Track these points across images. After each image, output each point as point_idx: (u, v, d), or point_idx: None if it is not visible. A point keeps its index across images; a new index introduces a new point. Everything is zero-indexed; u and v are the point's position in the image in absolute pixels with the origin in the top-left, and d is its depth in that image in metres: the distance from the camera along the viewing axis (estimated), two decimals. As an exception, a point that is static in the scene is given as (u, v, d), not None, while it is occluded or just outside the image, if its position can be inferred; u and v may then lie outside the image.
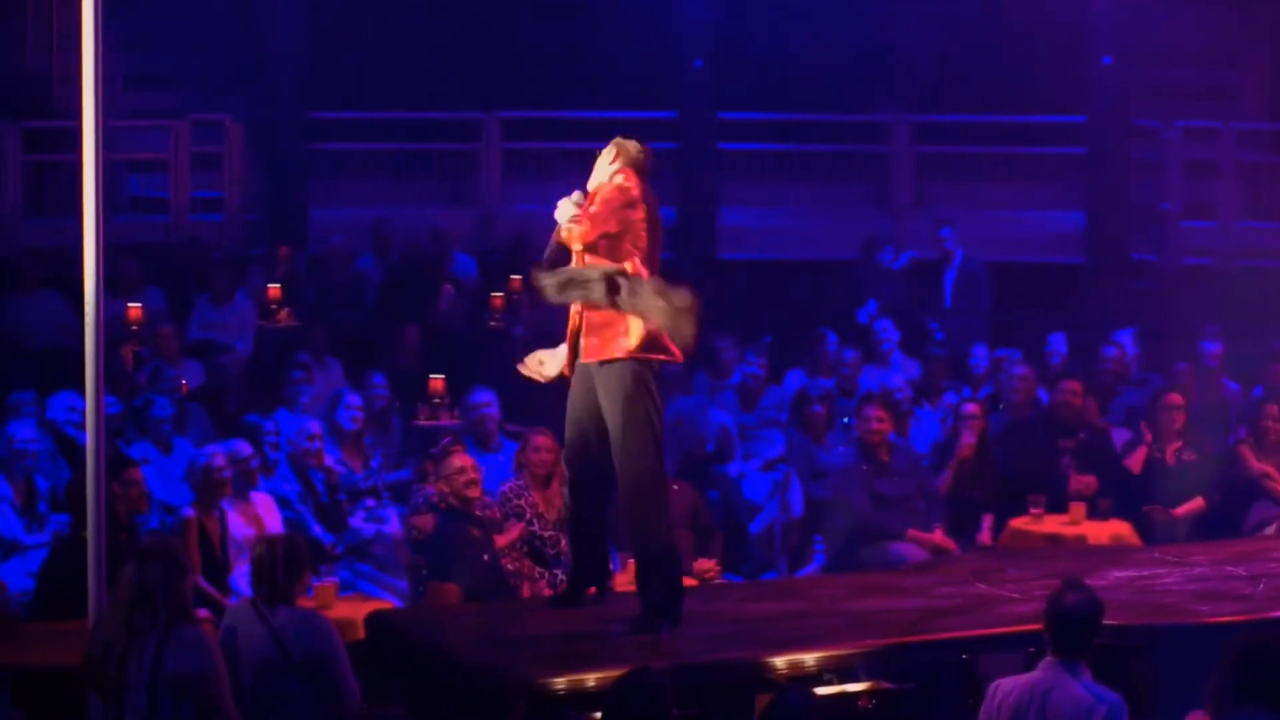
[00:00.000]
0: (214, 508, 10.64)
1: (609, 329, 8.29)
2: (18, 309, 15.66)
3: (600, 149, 8.62)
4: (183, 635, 7.45)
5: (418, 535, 10.91)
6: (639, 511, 8.41)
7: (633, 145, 8.53)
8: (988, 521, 12.53)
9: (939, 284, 17.10)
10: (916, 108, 19.92)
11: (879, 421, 12.16)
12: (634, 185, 8.40)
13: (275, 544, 8.05)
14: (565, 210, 8.38)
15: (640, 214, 8.36)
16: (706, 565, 10.98)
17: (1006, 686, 6.96)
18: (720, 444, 13.63)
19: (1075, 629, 6.89)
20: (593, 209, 8.33)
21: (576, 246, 8.32)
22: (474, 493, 10.57)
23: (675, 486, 11.26)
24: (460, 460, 10.68)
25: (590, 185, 8.52)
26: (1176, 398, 13.20)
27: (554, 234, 8.43)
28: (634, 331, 8.26)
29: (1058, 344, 14.99)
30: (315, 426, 12.05)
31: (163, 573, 7.50)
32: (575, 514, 8.73)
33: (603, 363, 8.33)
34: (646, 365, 8.32)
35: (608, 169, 8.52)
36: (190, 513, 10.52)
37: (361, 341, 15.35)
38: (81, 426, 10.28)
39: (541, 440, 10.75)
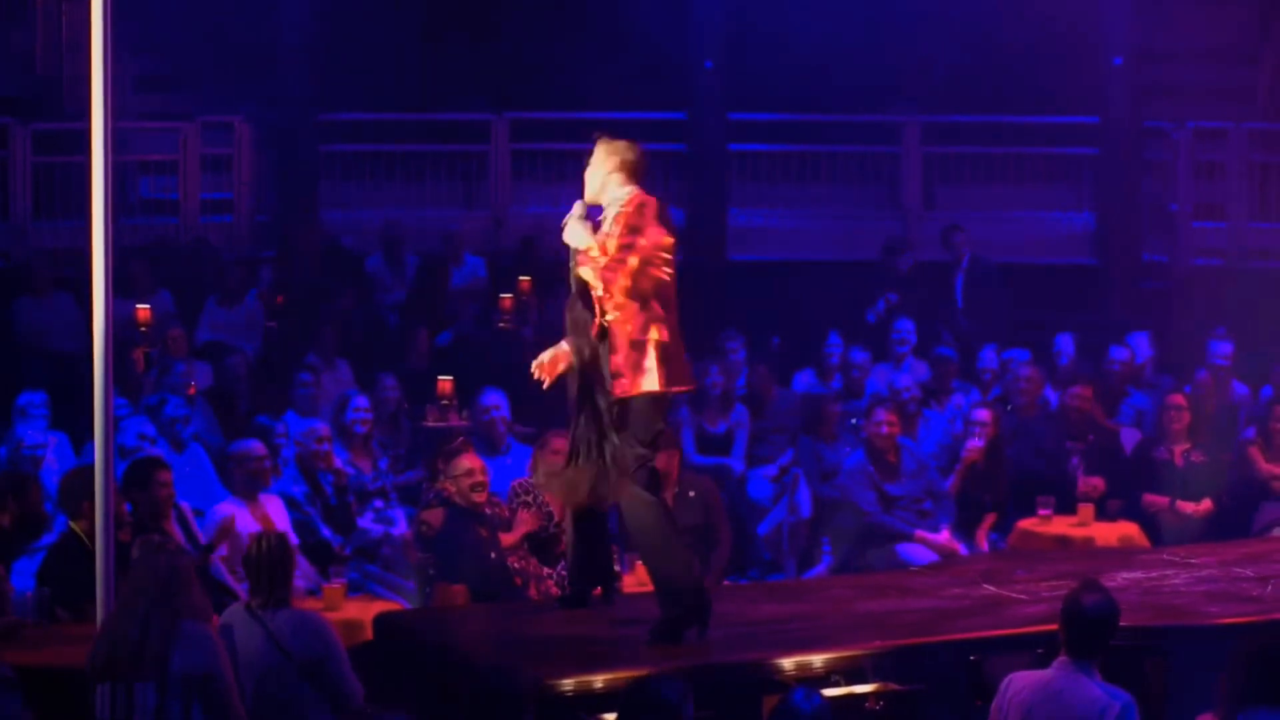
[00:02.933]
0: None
1: (638, 368, 7.98)
2: (29, 311, 15.67)
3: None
4: (189, 632, 7.46)
5: (427, 531, 10.90)
6: (646, 543, 8.24)
7: (624, 147, 8.11)
8: (987, 521, 12.53)
9: (952, 286, 17.09)
10: (927, 109, 19.89)
11: (890, 426, 12.16)
12: (646, 213, 7.96)
13: (264, 540, 7.99)
14: (575, 234, 8.04)
15: (656, 241, 7.94)
16: None
17: (1020, 682, 6.98)
18: (731, 429, 13.68)
19: (1091, 630, 6.89)
20: (614, 255, 7.86)
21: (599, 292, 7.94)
22: (480, 496, 10.56)
23: (691, 494, 11.22)
24: (469, 462, 10.66)
25: (587, 194, 8.14)
26: (1179, 399, 13.19)
27: (572, 268, 8.03)
28: (654, 369, 7.99)
29: (1065, 345, 14.95)
30: (323, 428, 12.04)
31: (169, 568, 7.51)
32: (572, 515, 8.66)
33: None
34: (665, 398, 8.15)
35: (605, 177, 8.12)
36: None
37: (371, 343, 15.35)
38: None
39: (560, 443, 10.68)
